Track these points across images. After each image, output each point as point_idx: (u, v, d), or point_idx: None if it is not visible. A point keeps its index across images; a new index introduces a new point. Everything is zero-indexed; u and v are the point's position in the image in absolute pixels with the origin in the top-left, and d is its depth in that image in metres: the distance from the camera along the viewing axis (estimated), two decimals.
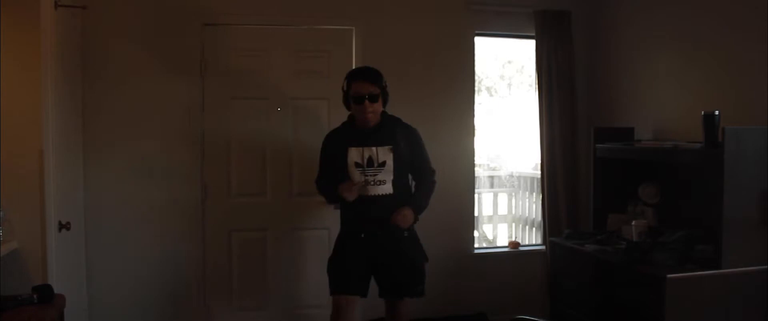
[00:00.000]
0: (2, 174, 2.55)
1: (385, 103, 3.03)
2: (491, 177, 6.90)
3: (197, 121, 3.79)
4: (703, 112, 2.95)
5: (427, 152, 3.18)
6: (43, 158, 2.66)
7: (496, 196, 6.40)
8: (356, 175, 2.98)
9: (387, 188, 2.99)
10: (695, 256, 3.00)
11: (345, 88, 3.03)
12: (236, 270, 3.89)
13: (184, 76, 3.75)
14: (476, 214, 5.03)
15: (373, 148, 2.98)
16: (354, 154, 2.98)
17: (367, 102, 2.93)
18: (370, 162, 2.97)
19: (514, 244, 4.53)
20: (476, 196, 4.67)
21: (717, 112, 2.91)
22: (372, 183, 2.97)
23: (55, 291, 2.48)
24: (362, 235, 3.03)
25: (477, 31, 4.22)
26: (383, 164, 2.97)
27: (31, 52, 2.62)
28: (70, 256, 3.27)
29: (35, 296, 2.38)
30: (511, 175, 6.58)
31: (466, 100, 4.20)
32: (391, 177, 2.99)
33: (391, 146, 2.99)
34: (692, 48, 3.52)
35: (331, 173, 3.08)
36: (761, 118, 2.97)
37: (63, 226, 2.92)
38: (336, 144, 3.07)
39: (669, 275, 2.83)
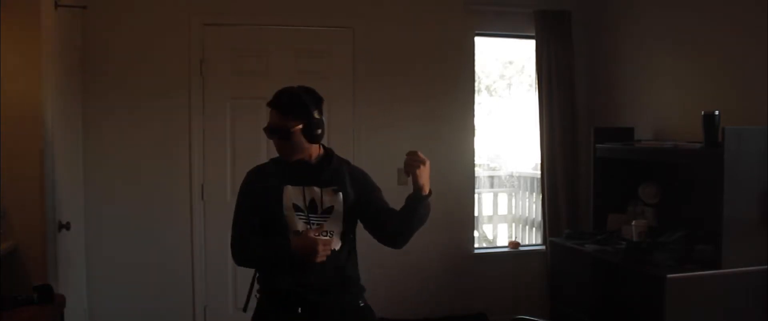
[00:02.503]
0: (2, 174, 2.55)
1: (314, 138, 2.19)
2: (491, 177, 6.90)
3: (197, 121, 3.79)
4: (703, 112, 2.95)
5: None
6: (43, 158, 2.66)
7: (496, 196, 6.40)
8: (297, 223, 2.18)
9: (334, 242, 2.22)
10: (695, 256, 3.00)
11: None
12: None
13: (184, 76, 3.76)
14: (476, 214, 5.03)
15: (316, 189, 2.21)
16: (292, 194, 2.19)
17: (276, 139, 2.21)
18: (313, 207, 2.20)
19: (514, 244, 4.53)
20: (476, 196, 4.67)
21: (717, 112, 2.91)
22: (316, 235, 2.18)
23: (55, 291, 2.48)
24: (299, 310, 2.20)
25: (477, 32, 4.22)
26: (329, 210, 2.21)
27: (31, 52, 2.62)
28: (70, 256, 3.27)
29: (35, 296, 2.37)
30: (511, 175, 6.58)
31: (466, 100, 4.20)
32: (340, 228, 2.23)
33: (336, 187, 2.23)
34: (692, 48, 3.52)
35: (257, 226, 2.22)
36: (761, 118, 2.97)
37: (63, 226, 2.92)
38: (264, 182, 2.22)
39: (669, 275, 2.83)
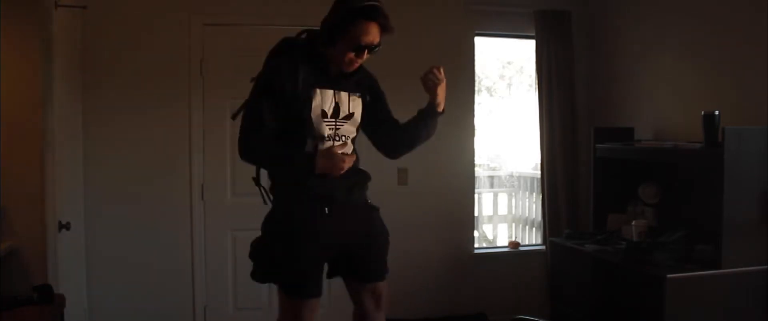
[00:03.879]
0: (2, 174, 2.55)
1: None
2: (491, 177, 6.90)
3: (197, 121, 3.79)
4: (703, 112, 2.95)
5: None
6: (43, 158, 2.66)
7: (496, 196, 6.40)
8: (323, 129, 2.14)
9: (348, 148, 2.22)
10: (695, 256, 3.00)
11: (338, 19, 2.17)
12: (236, 270, 3.88)
13: (185, 76, 3.76)
14: (476, 214, 5.03)
15: (343, 94, 2.19)
16: (322, 98, 2.14)
17: (366, 53, 2.19)
18: (336, 111, 2.17)
19: (514, 244, 4.53)
20: (476, 196, 4.67)
21: (717, 112, 2.91)
22: (336, 139, 2.19)
23: (55, 291, 2.48)
24: (327, 210, 2.18)
25: (477, 32, 4.22)
26: (350, 117, 2.20)
27: (31, 52, 2.62)
28: (70, 256, 3.27)
29: (35, 296, 2.38)
30: (511, 175, 6.58)
31: (466, 100, 4.20)
32: (354, 135, 2.26)
33: (360, 94, 2.25)
34: (692, 48, 3.52)
35: (278, 126, 2.14)
36: (761, 118, 2.97)
37: (63, 226, 2.92)
38: (295, 80, 2.11)
39: (669, 275, 2.83)
